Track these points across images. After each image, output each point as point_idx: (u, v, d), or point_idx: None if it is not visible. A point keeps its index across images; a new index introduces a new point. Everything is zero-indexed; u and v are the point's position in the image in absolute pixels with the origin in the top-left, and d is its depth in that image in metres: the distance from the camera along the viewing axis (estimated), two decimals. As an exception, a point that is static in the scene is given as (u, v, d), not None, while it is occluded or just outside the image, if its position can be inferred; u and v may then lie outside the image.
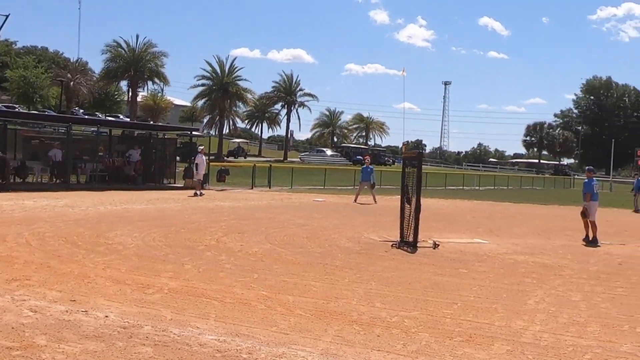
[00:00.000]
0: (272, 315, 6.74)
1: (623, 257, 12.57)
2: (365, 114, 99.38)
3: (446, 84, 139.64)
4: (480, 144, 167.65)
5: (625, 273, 10.60)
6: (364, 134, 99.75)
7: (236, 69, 68.34)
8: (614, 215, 25.55)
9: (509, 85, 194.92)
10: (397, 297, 7.85)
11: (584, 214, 14.90)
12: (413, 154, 13.05)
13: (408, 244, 12.44)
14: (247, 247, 11.60)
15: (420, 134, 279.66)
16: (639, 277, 10.23)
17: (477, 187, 48.98)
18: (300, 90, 75.72)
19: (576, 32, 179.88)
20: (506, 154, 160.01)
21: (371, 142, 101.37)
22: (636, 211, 27.51)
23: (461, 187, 46.96)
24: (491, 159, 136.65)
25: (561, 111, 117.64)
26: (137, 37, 66.17)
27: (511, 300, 7.97)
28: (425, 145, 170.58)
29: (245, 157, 66.25)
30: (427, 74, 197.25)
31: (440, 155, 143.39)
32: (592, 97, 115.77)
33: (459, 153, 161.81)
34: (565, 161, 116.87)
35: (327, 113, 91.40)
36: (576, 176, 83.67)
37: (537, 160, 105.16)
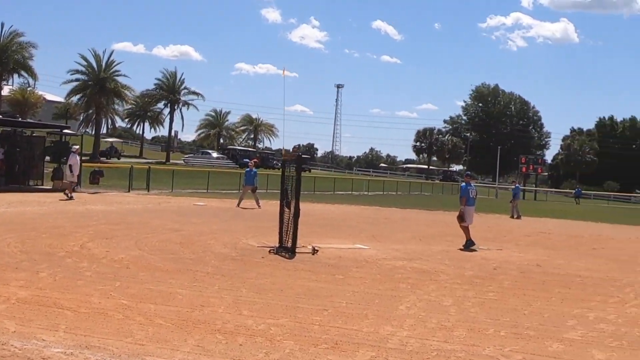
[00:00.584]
0: (129, 325, 6.54)
1: (499, 262, 13.22)
2: (254, 116, 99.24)
3: (339, 86, 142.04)
4: (372, 149, 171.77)
5: (499, 278, 11.15)
6: (252, 136, 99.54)
7: (115, 64, 66.37)
8: (495, 221, 26.92)
9: (402, 90, 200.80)
10: (266, 305, 7.85)
11: (461, 218, 15.60)
12: (293, 157, 13.12)
13: (286, 249, 12.49)
14: (114, 253, 11.23)
15: (312, 137, 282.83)
16: (511, 282, 10.79)
17: (366, 192, 50.08)
18: (185, 88, 74.55)
19: (467, 40, 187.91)
20: (398, 159, 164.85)
21: (261, 145, 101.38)
22: (513, 217, 29.03)
23: (350, 192, 47.84)
24: (382, 164, 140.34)
25: (450, 117, 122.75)
26: (2, 25, 62.71)
27: (383, 306, 8.17)
28: (317, 149, 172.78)
29: (119, 158, 64.13)
30: (320, 76, 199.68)
31: (332, 160, 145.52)
32: (480, 104, 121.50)
33: (350, 157, 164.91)
34: (455, 167, 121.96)
35: (213, 113, 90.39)
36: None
37: (427, 166, 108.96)
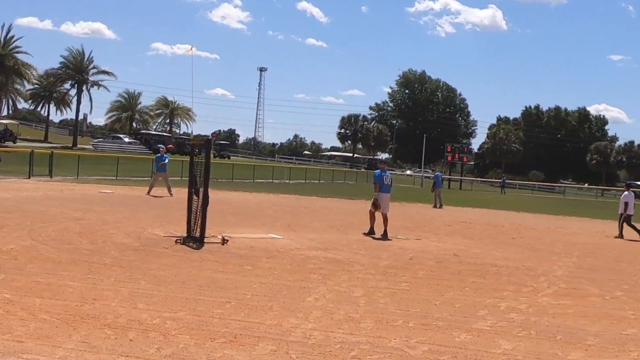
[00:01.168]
0: (9, 321, 6.27)
1: (415, 252, 13.44)
2: (171, 99, 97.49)
3: (262, 70, 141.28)
4: (296, 136, 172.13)
5: (414, 268, 11.32)
6: (168, 120, 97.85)
7: (14, 39, 63.80)
8: (417, 210, 27.41)
9: (328, 75, 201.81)
10: (165, 297, 7.69)
11: (374, 205, 15.80)
12: (201, 141, 12.92)
13: (194, 239, 12.32)
14: (2, 243, 10.78)
15: (233, 122, 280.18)
16: (426, 272, 10.97)
17: (287, 181, 50.04)
18: (94, 68, 72.39)
19: (394, 24, 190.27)
20: (323, 146, 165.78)
21: (178, 130, 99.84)
22: (436, 206, 29.62)
23: (271, 181, 47.71)
24: (306, 152, 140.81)
25: (376, 104, 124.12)
26: None
27: (290, 298, 8.14)
28: (239, 135, 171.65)
29: (14, 142, 61.32)
30: (242, 58, 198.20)
31: (255, 147, 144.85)
32: (407, 91, 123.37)
33: (274, 144, 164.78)
34: (381, 155, 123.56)
35: (126, 95, 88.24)
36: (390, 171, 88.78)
37: (352, 154, 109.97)
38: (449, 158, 71.52)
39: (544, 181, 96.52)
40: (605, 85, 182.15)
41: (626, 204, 20.49)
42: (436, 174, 32.86)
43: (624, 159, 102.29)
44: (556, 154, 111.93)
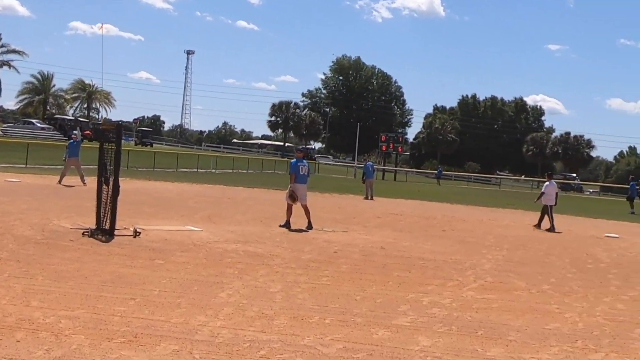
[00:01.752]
0: None
1: (341, 244, 13.43)
2: (88, 82, 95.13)
3: (189, 53, 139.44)
4: (225, 123, 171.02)
5: (337, 262, 11.30)
6: (86, 105, 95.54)
7: None
8: (348, 201, 27.51)
9: (259, 59, 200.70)
10: (63, 294, 7.41)
11: (291, 197, 15.75)
12: (112, 126, 12.56)
13: (104, 231, 11.99)
14: None
15: (158, 108, 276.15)
16: (350, 266, 10.96)
17: (213, 170, 49.53)
18: (3, 47, 69.98)
19: (329, 8, 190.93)
20: (254, 134, 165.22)
21: (98, 116, 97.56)
22: (367, 198, 29.81)
23: (195, 170, 47.12)
24: (236, 140, 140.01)
25: (309, 91, 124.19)
26: None
27: (201, 294, 7.98)
28: (164, 122, 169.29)
29: None
30: (168, 40, 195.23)
31: (181, 134, 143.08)
32: (341, 78, 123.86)
33: (202, 132, 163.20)
34: (314, 144, 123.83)
35: (39, 76, 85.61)
36: (321, 161, 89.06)
37: (283, 143, 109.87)
38: (384, 148, 71.97)
39: (480, 172, 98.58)
40: (543, 76, 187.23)
41: (542, 193, 21.11)
42: (367, 163, 32.90)
43: (560, 151, 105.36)
44: (493, 144, 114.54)
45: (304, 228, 15.45)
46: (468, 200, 36.25)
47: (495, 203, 35.83)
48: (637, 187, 38.56)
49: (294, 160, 16.41)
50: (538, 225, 20.66)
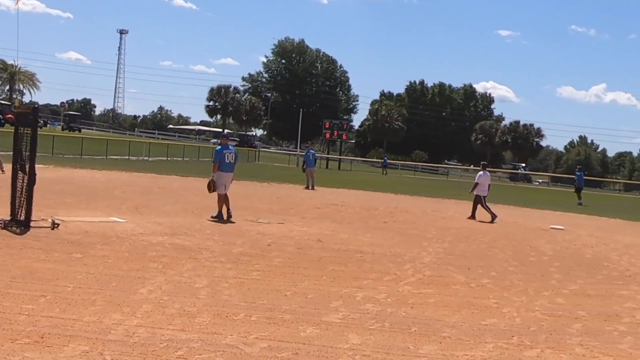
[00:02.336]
0: None
1: (276, 237, 13.36)
2: (11, 62, 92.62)
3: (122, 32, 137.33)
4: (161, 108, 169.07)
5: (270, 255, 11.23)
6: (8, 86, 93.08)
7: None
8: (287, 191, 27.44)
9: (198, 41, 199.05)
10: (-34, 291, 7.17)
11: (210, 186, 15.66)
12: (28, 110, 12.21)
13: (19, 223, 11.68)
14: None
15: (89, 91, 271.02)
16: (283, 259, 10.91)
17: (146, 158, 48.86)
18: None
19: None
20: (191, 120, 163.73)
21: (25, 99, 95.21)
22: (308, 187, 29.80)
23: (127, 157, 46.42)
24: (172, 126, 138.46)
25: (250, 75, 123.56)
26: None
27: (119, 290, 7.82)
28: (95, 106, 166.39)
29: None
30: (99, 18, 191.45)
31: (114, 119, 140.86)
32: (283, 61, 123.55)
33: (136, 117, 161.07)
34: (255, 131, 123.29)
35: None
36: (263, 148, 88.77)
37: (222, 129, 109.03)
38: (327, 135, 72.19)
39: (427, 162, 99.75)
40: (493, 62, 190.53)
41: (476, 184, 21.45)
42: (308, 151, 32.82)
43: (509, 140, 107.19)
44: (441, 133, 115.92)
45: (231, 220, 15.29)
46: (413, 191, 36.58)
47: (441, 193, 36.27)
48: (585, 177, 39.48)
49: (219, 147, 16.21)
50: (472, 217, 21.00)
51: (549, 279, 11.27)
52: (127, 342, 5.93)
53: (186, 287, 8.32)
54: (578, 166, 49.81)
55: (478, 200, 21.32)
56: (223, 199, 15.58)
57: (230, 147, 16.25)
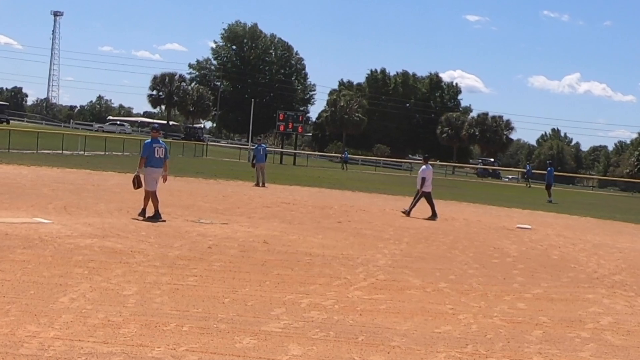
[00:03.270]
0: None
1: (218, 239, 13.30)
2: None
3: (57, 14, 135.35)
4: (100, 97, 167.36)
5: (210, 259, 11.15)
6: None
7: None
8: (235, 189, 27.34)
9: (140, 24, 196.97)
10: None
11: (135, 182, 15.58)
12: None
13: None
14: None
15: (20, 79, 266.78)
16: (224, 263, 10.85)
17: (81, 152, 48.28)
18: None
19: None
20: (134, 111, 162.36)
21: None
22: (258, 184, 29.70)
23: (60, 152, 45.81)
24: (112, 117, 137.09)
25: (197, 62, 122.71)
26: None
27: (37, 299, 7.67)
28: (27, 96, 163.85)
29: None
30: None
31: (47, 110, 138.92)
32: (234, 47, 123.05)
33: (72, 107, 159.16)
34: (203, 123, 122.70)
35: None
36: (212, 142, 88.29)
37: (167, 121, 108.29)
38: (282, 128, 71.99)
39: (389, 156, 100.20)
40: (460, 49, 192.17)
41: (423, 179, 21.71)
42: (258, 145, 32.66)
43: (477, 133, 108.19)
44: (404, 125, 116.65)
45: (146, 217, 15.20)
46: (373, 188, 36.72)
47: (403, 191, 36.36)
48: (557, 173, 40.12)
49: (148, 140, 16.08)
50: (433, 214, 21.33)
51: (511, 282, 11.37)
52: (40, 357, 5.81)
53: (113, 294, 8.20)
54: (548, 161, 50.53)
55: (424, 196, 21.53)
56: (150, 197, 15.50)
57: (160, 140, 16.13)
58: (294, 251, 12.66)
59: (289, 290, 9.26)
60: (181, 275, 9.67)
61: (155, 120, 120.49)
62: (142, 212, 15.44)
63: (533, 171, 72.45)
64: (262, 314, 7.87)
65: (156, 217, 15.19)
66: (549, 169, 40.67)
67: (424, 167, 22.15)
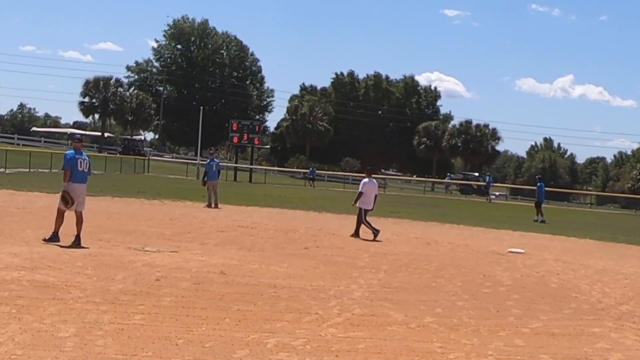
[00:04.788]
0: None
1: (167, 269, 13.24)
2: None
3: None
4: (23, 105, 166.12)
5: (159, 293, 11.11)
6: None
7: None
8: (184, 210, 27.28)
9: (70, 20, 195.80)
10: None
11: (65, 201, 15.48)
12: None
13: None
14: None
15: None
16: (175, 298, 10.80)
17: (1, 169, 47.86)
18: None
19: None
20: (62, 121, 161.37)
21: None
22: (211, 205, 29.63)
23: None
24: (37, 128, 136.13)
25: (137, 63, 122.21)
26: None
27: (-42, 343, 7.56)
28: None
29: None
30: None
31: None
32: (179, 47, 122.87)
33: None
34: (144, 135, 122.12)
35: None
36: (154, 156, 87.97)
37: (101, 133, 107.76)
38: (235, 140, 71.95)
39: (359, 171, 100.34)
40: (439, 49, 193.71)
41: (361, 193, 22.04)
42: (210, 160, 32.53)
43: (459, 143, 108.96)
44: (376, 135, 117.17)
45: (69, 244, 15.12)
46: (341, 208, 36.76)
47: (377, 211, 36.40)
48: (549, 188, 40.63)
49: (71, 151, 15.96)
50: (356, 234, 21.64)
51: (506, 315, 11.44)
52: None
53: (47, 337, 8.14)
54: (537, 176, 51.11)
55: (360, 214, 21.68)
56: (62, 216, 15.62)
57: (83, 153, 16.02)
58: (256, 283, 12.64)
59: (252, 328, 9.23)
60: (126, 312, 9.61)
61: (83, 132, 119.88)
62: (77, 239, 15.30)
63: (526, 187, 73.16)
64: (223, 356, 7.86)
65: (53, 238, 15.34)
66: (538, 184, 41.17)
67: (365, 180, 22.31)
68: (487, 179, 77.17)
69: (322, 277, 13.75)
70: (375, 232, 21.38)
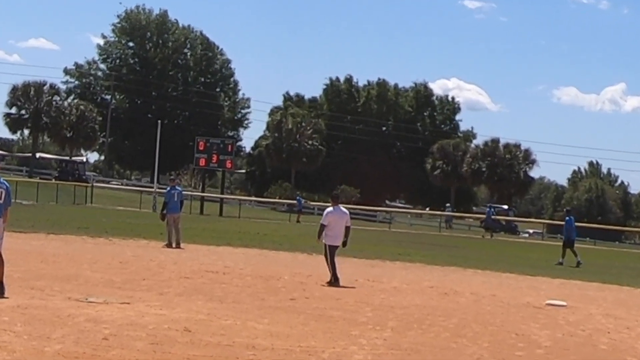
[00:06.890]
0: None
1: (117, 326, 13.29)
2: None
3: None
4: None
5: (107, 355, 11.20)
6: None
7: None
8: (138, 251, 27.29)
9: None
10: None
11: None
12: None
13: None
14: None
15: None
16: (128, 363, 10.81)
17: None
18: None
19: None
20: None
21: None
22: (172, 244, 29.63)
23: None
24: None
25: (77, 65, 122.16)
26: None
27: None
28: None
29: None
30: None
31: None
32: (131, 44, 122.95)
33: None
34: (87, 156, 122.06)
35: None
36: (99, 182, 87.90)
37: (31, 154, 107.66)
38: (202, 162, 72.10)
39: (359, 203, 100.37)
40: (458, 50, 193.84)
41: (322, 226, 22.16)
42: (170, 188, 32.42)
43: (484, 168, 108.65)
44: (380, 157, 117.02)
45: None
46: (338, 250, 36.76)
47: (380, 252, 36.55)
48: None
49: None
50: (334, 279, 21.71)
51: (545, 385, 11.45)
52: None
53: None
54: (566, 209, 51.13)
55: (329, 252, 21.83)
56: None
57: (3, 181, 16.04)
58: (229, 343, 12.65)
59: (225, 401, 9.25)
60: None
61: (6, 153, 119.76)
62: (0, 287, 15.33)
63: (557, 222, 72.97)
64: None
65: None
66: (567, 218, 41.13)
67: (329, 209, 22.39)
68: (488, 211, 76.97)
69: (313, 336, 13.74)
70: (335, 279, 21.50)
